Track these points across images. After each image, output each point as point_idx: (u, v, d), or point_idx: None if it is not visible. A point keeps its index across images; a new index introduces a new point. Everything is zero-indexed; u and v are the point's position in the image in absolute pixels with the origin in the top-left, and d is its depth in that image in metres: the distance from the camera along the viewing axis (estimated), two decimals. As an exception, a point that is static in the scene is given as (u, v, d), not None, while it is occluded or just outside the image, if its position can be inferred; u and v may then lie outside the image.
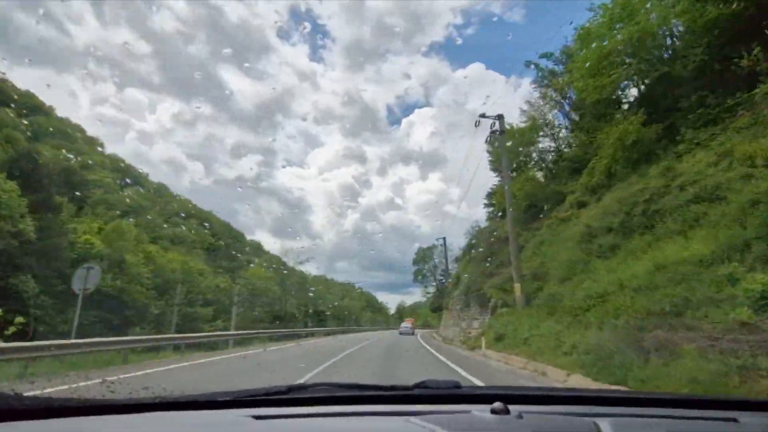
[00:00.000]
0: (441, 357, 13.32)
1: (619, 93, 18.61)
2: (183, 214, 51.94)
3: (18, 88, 43.81)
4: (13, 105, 34.92)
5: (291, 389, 1.30)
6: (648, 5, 15.13)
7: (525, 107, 24.99)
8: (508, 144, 20.14)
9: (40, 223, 19.02)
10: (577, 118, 22.50)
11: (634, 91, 18.75)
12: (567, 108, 23.66)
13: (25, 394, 1.09)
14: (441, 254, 50.97)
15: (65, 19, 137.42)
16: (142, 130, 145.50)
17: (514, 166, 24.55)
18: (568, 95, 22.63)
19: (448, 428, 0.88)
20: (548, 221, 19.29)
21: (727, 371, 4.37)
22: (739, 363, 4.44)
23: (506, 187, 17.65)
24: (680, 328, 5.60)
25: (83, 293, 9.95)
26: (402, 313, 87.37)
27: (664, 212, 10.47)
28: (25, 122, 34.02)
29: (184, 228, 47.26)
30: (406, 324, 43.36)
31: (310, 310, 46.77)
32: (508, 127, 19.19)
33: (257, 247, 66.18)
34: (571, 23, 37.18)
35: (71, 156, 38.50)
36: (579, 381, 6.36)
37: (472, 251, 29.83)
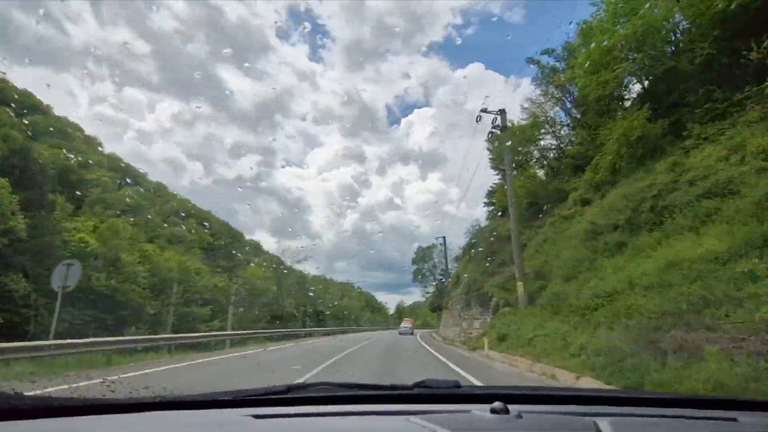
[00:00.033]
0: (442, 358, 13.00)
1: (622, 89, 18.35)
2: (183, 213, 51.69)
3: (17, 88, 43.60)
4: (13, 105, 34.57)
5: (291, 389, 1.31)
6: (653, -2, 14.82)
7: (525, 106, 24.70)
8: (509, 143, 19.83)
9: (32, 220, 18.63)
10: (578, 115, 22.21)
11: (637, 87, 18.48)
12: (568, 105, 23.38)
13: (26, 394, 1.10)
14: (440, 253, 50.54)
15: (64, 19, 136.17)
16: (141, 129, 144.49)
17: (515, 165, 24.24)
18: (570, 91, 22.32)
19: (447, 428, 0.87)
20: (551, 219, 18.95)
21: (757, 375, 4.04)
22: (769, 366, 4.10)
23: (508, 183, 17.32)
24: (700, 329, 5.26)
25: (62, 291, 9.56)
26: (401, 312, 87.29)
27: (673, 208, 10.13)
28: (26, 122, 33.69)
29: (183, 227, 47.00)
30: (406, 324, 43.09)
31: (309, 310, 46.55)
32: (509, 124, 18.85)
33: (256, 247, 65.86)
34: (570, 23, 36.93)
35: (71, 156, 38.32)
36: (590, 384, 6.00)
37: (473, 250, 29.52)
